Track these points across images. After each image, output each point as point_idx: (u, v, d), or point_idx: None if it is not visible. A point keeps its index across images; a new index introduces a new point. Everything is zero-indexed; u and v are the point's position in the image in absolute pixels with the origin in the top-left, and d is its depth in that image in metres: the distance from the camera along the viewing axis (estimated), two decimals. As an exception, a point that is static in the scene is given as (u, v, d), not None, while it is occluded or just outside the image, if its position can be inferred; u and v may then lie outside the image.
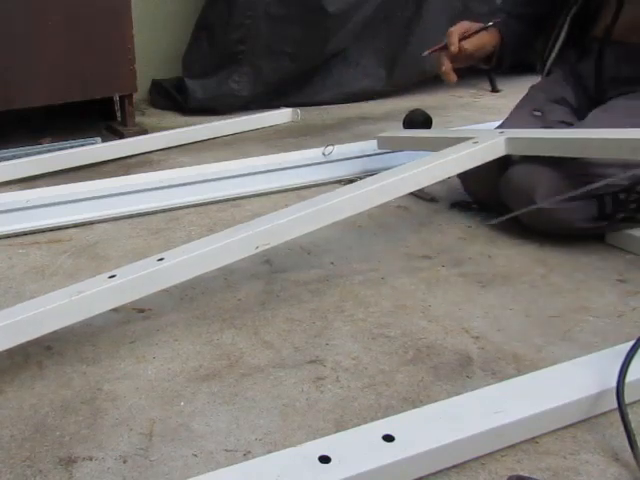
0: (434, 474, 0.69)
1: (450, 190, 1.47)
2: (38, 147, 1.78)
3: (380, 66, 2.45)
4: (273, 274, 1.13)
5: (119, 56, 1.88)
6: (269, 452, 0.71)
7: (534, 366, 0.87)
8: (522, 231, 1.25)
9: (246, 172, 1.58)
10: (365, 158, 1.67)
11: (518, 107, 1.41)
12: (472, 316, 1.00)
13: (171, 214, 1.40)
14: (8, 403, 0.81)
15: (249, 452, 0.73)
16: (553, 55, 1.40)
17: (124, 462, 0.72)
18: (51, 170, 1.63)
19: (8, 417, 0.79)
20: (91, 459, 0.72)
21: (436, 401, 0.77)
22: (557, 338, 0.94)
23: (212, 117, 2.16)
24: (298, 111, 2.20)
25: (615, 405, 0.74)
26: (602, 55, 1.30)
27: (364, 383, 0.84)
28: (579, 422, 0.77)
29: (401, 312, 1.01)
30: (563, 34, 1.37)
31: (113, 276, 0.89)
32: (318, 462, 0.65)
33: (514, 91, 2.12)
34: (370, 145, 1.68)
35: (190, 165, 1.65)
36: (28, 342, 0.84)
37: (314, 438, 0.73)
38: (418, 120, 1.78)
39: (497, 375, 0.86)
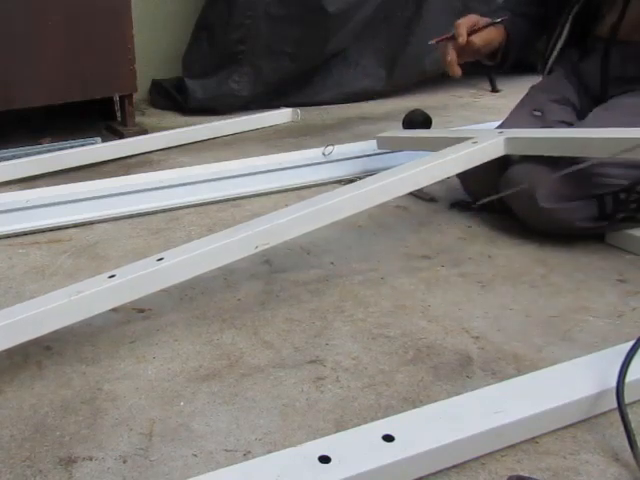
0: (434, 474, 0.69)
1: (450, 190, 1.47)
2: (38, 147, 1.78)
3: (380, 66, 2.45)
4: (273, 274, 1.13)
5: (119, 56, 1.88)
6: (269, 452, 0.71)
7: (534, 366, 0.87)
8: (522, 231, 1.25)
9: (246, 172, 1.58)
10: (365, 158, 1.67)
11: (518, 107, 1.41)
12: (472, 316, 1.00)
13: (171, 214, 1.40)
14: (8, 403, 0.81)
15: (249, 452, 0.73)
16: (555, 54, 1.40)
17: (124, 462, 0.72)
18: (51, 170, 1.63)
19: (8, 417, 0.79)
20: (91, 459, 0.72)
21: (436, 401, 0.77)
22: (557, 338, 0.94)
23: (212, 117, 2.16)
24: (298, 111, 2.20)
25: (615, 405, 0.74)
26: (608, 54, 1.30)
27: (364, 383, 0.84)
28: (579, 422, 0.77)
29: (401, 312, 1.01)
30: (565, 33, 1.37)
31: (113, 276, 0.89)
32: (318, 462, 0.65)
33: (514, 91, 2.12)
34: (370, 145, 1.68)
35: (190, 165, 1.65)
36: (28, 342, 0.84)
37: (314, 438, 0.73)
38: (418, 120, 1.78)
39: (497, 375, 0.86)
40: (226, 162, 1.65)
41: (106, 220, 1.36)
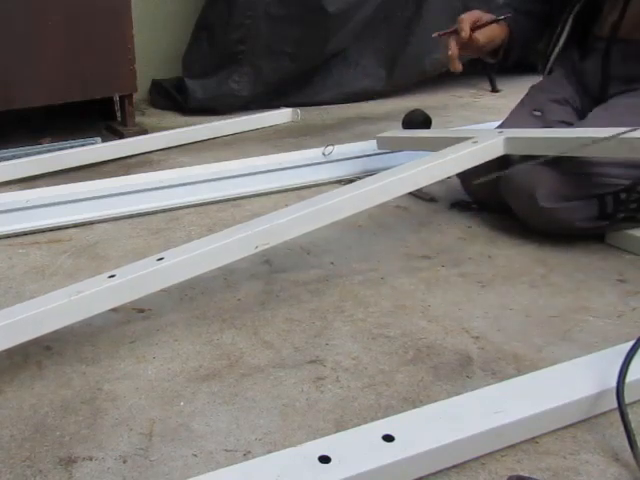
0: (434, 474, 0.69)
1: (450, 190, 1.47)
2: (38, 147, 1.78)
3: (380, 66, 2.45)
4: (273, 274, 1.13)
5: (119, 56, 1.88)
6: (269, 452, 0.71)
7: (534, 366, 0.87)
8: (522, 231, 1.25)
9: (246, 172, 1.58)
10: (365, 158, 1.67)
11: (518, 107, 1.41)
12: (472, 316, 1.00)
13: (171, 214, 1.40)
14: (8, 403, 0.81)
15: (249, 452, 0.73)
16: (555, 53, 1.40)
17: (124, 462, 0.72)
18: (51, 170, 1.63)
19: (8, 417, 0.79)
20: (91, 459, 0.72)
21: (436, 401, 0.77)
22: (557, 338, 0.94)
23: (212, 117, 2.16)
24: (298, 111, 2.20)
25: (615, 405, 0.74)
26: (609, 53, 1.30)
27: (364, 383, 0.84)
28: (579, 422, 0.77)
29: (401, 312, 1.01)
30: (566, 32, 1.37)
31: (113, 276, 0.89)
32: (318, 462, 0.65)
33: (514, 91, 2.12)
34: (370, 145, 1.68)
35: (190, 165, 1.65)
36: (28, 342, 0.84)
37: (314, 438, 0.73)
38: (417, 120, 1.78)
39: (497, 375, 0.86)
40: (226, 162, 1.65)
41: (106, 220, 1.36)
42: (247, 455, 0.72)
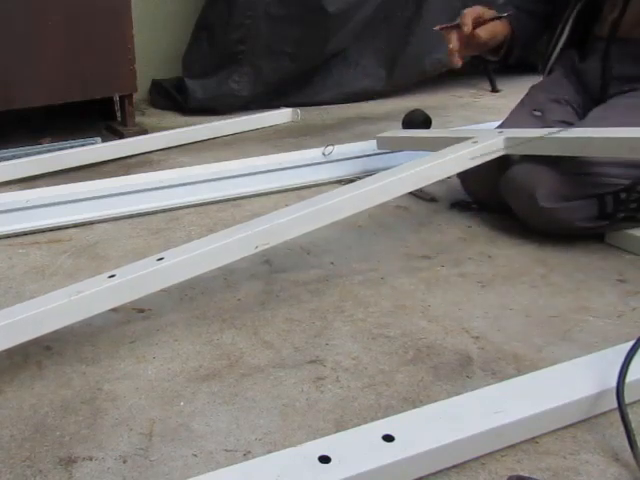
0: (434, 474, 0.69)
1: (450, 190, 1.47)
2: (38, 147, 1.78)
3: (380, 66, 2.45)
4: (273, 274, 1.13)
5: (119, 56, 1.88)
6: (269, 452, 0.71)
7: (534, 366, 0.87)
8: (522, 231, 1.25)
9: (246, 172, 1.58)
10: (365, 158, 1.67)
11: (518, 107, 1.41)
12: (472, 316, 1.00)
13: (171, 214, 1.40)
14: (8, 403, 0.81)
15: (249, 452, 0.73)
16: (555, 53, 1.40)
17: (124, 462, 0.72)
18: (51, 170, 1.63)
19: (8, 417, 0.79)
20: (91, 459, 0.72)
21: (436, 401, 0.77)
22: (557, 338, 0.94)
23: (212, 117, 2.16)
24: (298, 111, 2.20)
25: (615, 405, 0.74)
26: (608, 53, 1.30)
27: (364, 383, 0.84)
28: (579, 422, 0.77)
29: (401, 312, 1.01)
30: (566, 32, 1.37)
31: (113, 276, 0.89)
32: (318, 462, 0.65)
33: (514, 91, 2.12)
34: (370, 145, 1.68)
35: (190, 165, 1.65)
36: (28, 342, 0.84)
37: (314, 438, 0.73)
38: (417, 120, 1.78)
39: (497, 375, 0.86)
40: (226, 162, 1.65)
41: (106, 220, 1.36)
42: (247, 455, 0.72)
